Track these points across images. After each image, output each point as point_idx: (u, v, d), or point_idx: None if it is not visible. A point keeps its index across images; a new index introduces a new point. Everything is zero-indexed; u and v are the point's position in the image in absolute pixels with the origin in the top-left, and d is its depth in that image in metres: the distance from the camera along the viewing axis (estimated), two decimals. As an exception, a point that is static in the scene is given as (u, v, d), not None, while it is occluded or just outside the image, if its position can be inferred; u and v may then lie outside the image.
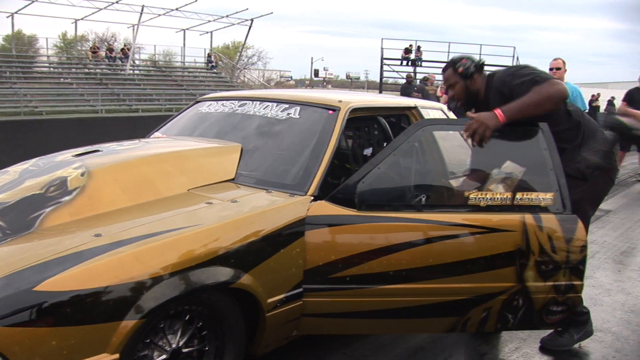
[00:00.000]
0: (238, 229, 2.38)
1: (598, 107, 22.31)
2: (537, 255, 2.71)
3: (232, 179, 2.86)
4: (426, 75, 13.67)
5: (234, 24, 32.15)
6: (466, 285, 2.69)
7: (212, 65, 32.50)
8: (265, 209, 2.52)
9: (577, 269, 2.79)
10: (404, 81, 15.19)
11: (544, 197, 2.77)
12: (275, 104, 3.26)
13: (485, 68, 3.21)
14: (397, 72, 26.33)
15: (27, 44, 46.41)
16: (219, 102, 3.57)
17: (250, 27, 32.03)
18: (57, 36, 47.34)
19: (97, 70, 27.50)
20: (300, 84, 64.93)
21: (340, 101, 3.11)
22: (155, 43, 45.97)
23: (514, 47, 25.40)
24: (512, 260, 2.70)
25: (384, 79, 28.46)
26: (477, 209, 2.70)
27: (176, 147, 3.05)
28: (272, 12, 39.00)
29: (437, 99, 9.50)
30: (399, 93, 13.70)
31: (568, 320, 3.04)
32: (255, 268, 2.39)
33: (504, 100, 2.87)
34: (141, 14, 27.64)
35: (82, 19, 29.82)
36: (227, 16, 30.92)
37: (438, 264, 2.65)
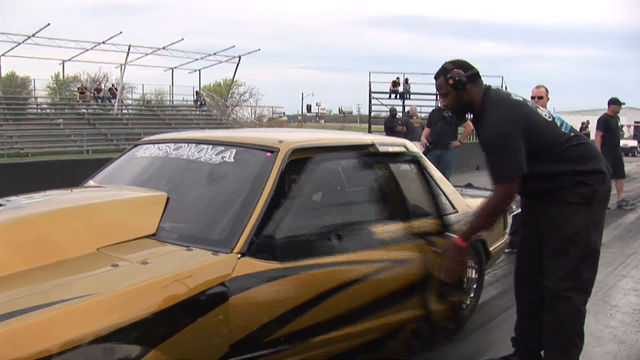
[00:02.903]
0: (144, 296, 2.01)
1: (588, 135, 22.16)
2: (435, 279, 2.89)
3: (153, 235, 2.50)
4: (409, 108, 13.45)
5: (221, 62, 32.23)
6: (385, 320, 2.75)
7: (201, 104, 32.39)
8: (179, 271, 2.15)
9: (461, 286, 3.15)
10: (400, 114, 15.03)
11: (432, 222, 3.05)
12: (210, 147, 2.92)
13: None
14: (385, 105, 26.23)
15: (20, 85, 46.49)
16: (156, 145, 3.22)
17: (238, 65, 32.12)
18: (49, 77, 47.42)
19: (84, 111, 27.32)
20: (293, 119, 65.09)
21: (281, 141, 2.77)
22: (144, 82, 46.02)
23: (502, 77, 25.42)
24: (419, 287, 2.85)
25: (374, 112, 28.40)
26: (384, 243, 2.81)
27: (91, 199, 2.69)
28: (259, 49, 39.15)
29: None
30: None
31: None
32: (164, 343, 2.01)
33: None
34: (128, 53, 27.64)
35: (69, 59, 29.80)
36: (215, 54, 31.00)
37: (360, 305, 2.65)
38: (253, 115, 43.75)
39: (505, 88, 20.97)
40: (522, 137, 2.67)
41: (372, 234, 2.82)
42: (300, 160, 2.76)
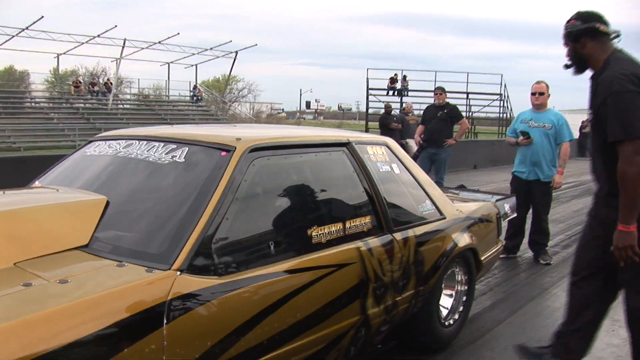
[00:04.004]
0: (53, 325, 1.66)
1: (588, 134, 21.73)
2: (373, 281, 2.73)
3: (85, 246, 2.15)
4: (405, 105, 13.10)
5: (218, 57, 31.84)
6: (327, 330, 2.50)
7: (197, 99, 32.00)
8: (102, 294, 1.80)
9: (398, 286, 2.90)
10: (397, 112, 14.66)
11: (365, 222, 2.80)
12: (162, 144, 2.57)
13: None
14: (383, 102, 25.87)
15: (18, 79, 46.16)
16: (107, 142, 2.88)
17: (234, 60, 31.74)
18: (48, 71, 47.05)
19: (79, 106, 26.96)
20: (291, 116, 64.80)
21: (239, 139, 2.42)
22: (141, 77, 45.61)
23: (501, 75, 25.00)
24: (357, 292, 2.65)
25: (372, 109, 28.05)
26: (321, 246, 2.53)
27: (17, 203, 2.34)
28: (256, 44, 38.71)
29: None
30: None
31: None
32: (78, 382, 1.66)
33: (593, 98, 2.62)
34: (123, 47, 27.29)
35: (64, 53, 29.41)
36: (211, 49, 30.61)
37: (302, 317, 2.36)
38: (251, 112, 43.41)
39: (505, 86, 20.48)
40: None
41: (315, 238, 2.52)
42: (260, 160, 2.43)
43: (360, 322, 2.69)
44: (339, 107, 74.43)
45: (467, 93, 25.37)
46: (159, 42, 28.57)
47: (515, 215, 4.81)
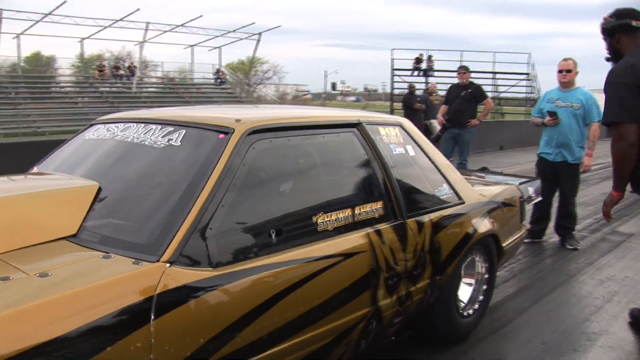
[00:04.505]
0: (28, 322, 1.54)
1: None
2: (385, 271, 2.56)
3: (73, 236, 2.03)
4: (429, 85, 12.82)
5: (241, 39, 31.68)
6: (332, 324, 2.33)
7: (221, 81, 31.94)
8: (82, 288, 1.67)
9: (412, 275, 2.73)
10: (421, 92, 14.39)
11: (376, 208, 2.62)
12: (159, 127, 2.43)
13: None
14: (408, 83, 25.49)
15: (45, 64, 46.61)
16: (107, 125, 2.75)
17: (258, 42, 31.56)
18: (74, 56, 47.45)
19: (104, 89, 27.11)
20: (317, 97, 64.46)
21: (238, 120, 2.27)
22: (165, 60, 45.61)
23: (529, 54, 24.46)
24: (367, 283, 2.48)
25: (398, 90, 27.67)
26: (328, 234, 2.36)
27: (5, 191, 2.21)
28: (279, 26, 38.18)
29: None
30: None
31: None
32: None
33: None
34: (146, 30, 27.31)
35: (87, 37, 29.53)
36: (234, 31, 30.45)
37: (305, 310, 2.20)
38: (276, 94, 43.22)
39: (533, 65, 20.07)
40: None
41: (321, 225, 2.36)
42: (261, 142, 2.27)
43: (371, 314, 2.53)
44: (365, 89, 73.82)
45: (494, 73, 24.86)
46: (182, 25, 28.53)
47: (540, 198, 4.58)
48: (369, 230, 2.54)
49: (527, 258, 4.98)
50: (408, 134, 3.07)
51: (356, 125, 2.77)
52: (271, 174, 2.32)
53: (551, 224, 5.56)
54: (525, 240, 5.24)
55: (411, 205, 2.81)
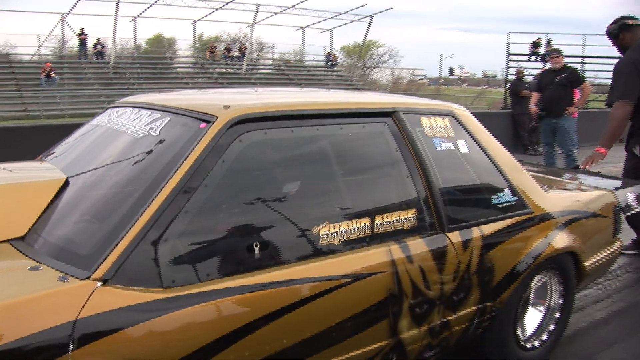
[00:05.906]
0: None
1: None
2: (411, 297, 2.10)
3: (21, 238, 1.75)
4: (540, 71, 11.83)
5: (353, 21, 31.24)
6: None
7: (332, 64, 31.78)
8: None
9: (451, 301, 2.25)
10: (531, 78, 13.42)
11: (406, 217, 2.13)
12: (149, 112, 2.11)
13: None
14: (525, 68, 23.91)
15: (166, 46, 48.95)
16: (112, 109, 2.47)
17: (370, 24, 30.96)
18: (191, 38, 49.48)
19: (215, 70, 27.86)
20: (433, 82, 62.76)
21: (227, 107, 1.88)
22: (278, 42, 46.23)
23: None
24: (384, 311, 2.04)
25: (511, 76, 26.11)
26: (333, 249, 1.93)
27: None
28: (392, 8, 36.73)
29: None
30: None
31: None
32: None
33: None
34: (256, 12, 27.60)
35: (200, 19, 30.41)
36: (346, 12, 30.07)
37: (290, 344, 1.79)
38: (391, 77, 42.42)
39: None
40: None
41: (324, 239, 1.93)
42: (252, 134, 1.87)
43: (390, 348, 2.08)
44: (484, 74, 70.96)
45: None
46: (292, 7, 28.55)
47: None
48: (393, 245, 2.07)
49: (629, 274, 4.22)
50: (462, 125, 2.53)
51: (390, 114, 2.29)
52: (262, 173, 1.91)
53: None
54: (629, 252, 4.47)
55: (456, 215, 2.30)
